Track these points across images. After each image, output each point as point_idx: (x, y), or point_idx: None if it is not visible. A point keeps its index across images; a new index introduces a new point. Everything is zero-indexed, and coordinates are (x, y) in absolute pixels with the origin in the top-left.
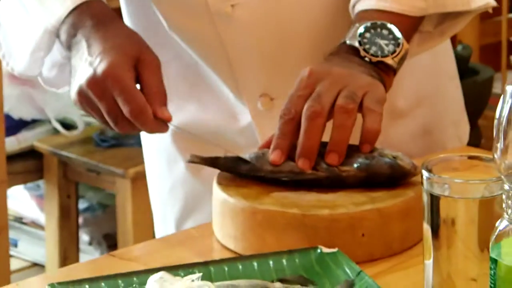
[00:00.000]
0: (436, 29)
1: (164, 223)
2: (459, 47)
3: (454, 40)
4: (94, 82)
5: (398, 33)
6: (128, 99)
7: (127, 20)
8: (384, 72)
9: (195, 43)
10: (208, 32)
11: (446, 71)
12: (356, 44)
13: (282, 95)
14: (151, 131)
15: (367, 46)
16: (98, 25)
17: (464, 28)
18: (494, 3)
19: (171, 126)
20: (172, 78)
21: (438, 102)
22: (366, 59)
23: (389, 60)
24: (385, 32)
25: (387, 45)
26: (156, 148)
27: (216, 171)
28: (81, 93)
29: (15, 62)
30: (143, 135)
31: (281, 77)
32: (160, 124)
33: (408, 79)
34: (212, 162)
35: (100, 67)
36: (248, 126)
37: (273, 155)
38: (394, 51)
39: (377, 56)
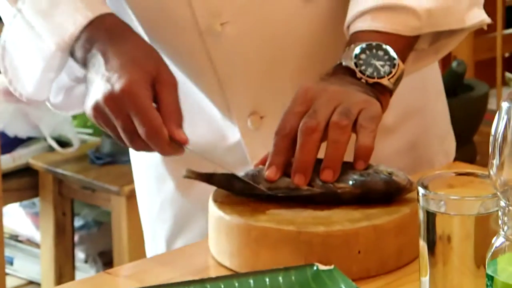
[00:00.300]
0: (431, 47)
1: (154, 241)
2: (454, 63)
3: (449, 56)
4: (111, 98)
5: (393, 54)
6: (144, 120)
7: None
8: (381, 93)
9: (183, 61)
10: (197, 50)
11: (432, 86)
12: (352, 65)
13: (272, 113)
14: (165, 153)
15: (363, 68)
16: (114, 38)
17: (458, 44)
18: (489, 20)
19: (186, 149)
20: None
21: (424, 118)
22: (363, 80)
23: (385, 81)
24: (380, 53)
25: (383, 66)
26: (145, 167)
27: (205, 191)
28: (97, 109)
29: (23, 87)
30: (132, 152)
31: (271, 95)
32: (175, 146)
33: (396, 95)
34: (207, 178)
35: (118, 84)
36: (237, 144)
37: (269, 172)
38: (390, 72)
39: (373, 78)
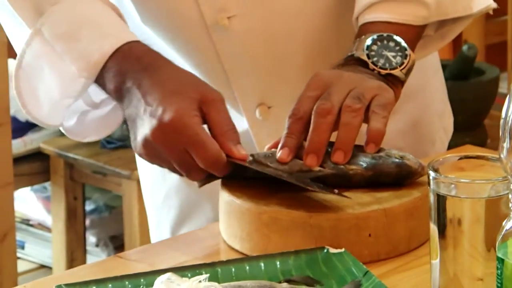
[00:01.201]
0: (437, 33)
1: (158, 229)
2: (464, 47)
3: (459, 40)
4: (161, 133)
5: (404, 45)
6: (201, 151)
7: None
8: (393, 83)
9: (190, 54)
10: (203, 44)
11: (430, 65)
12: (364, 57)
13: (280, 103)
14: (224, 174)
15: (375, 59)
16: (148, 69)
17: (469, 28)
18: (495, 5)
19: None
20: None
21: (424, 96)
22: (375, 72)
23: (397, 72)
24: (391, 44)
25: (394, 57)
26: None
27: (215, 182)
28: (147, 146)
29: (38, 110)
30: None
31: (278, 86)
32: (231, 164)
33: None
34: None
35: (166, 117)
36: (245, 133)
37: (281, 153)
38: (402, 63)
39: (385, 69)
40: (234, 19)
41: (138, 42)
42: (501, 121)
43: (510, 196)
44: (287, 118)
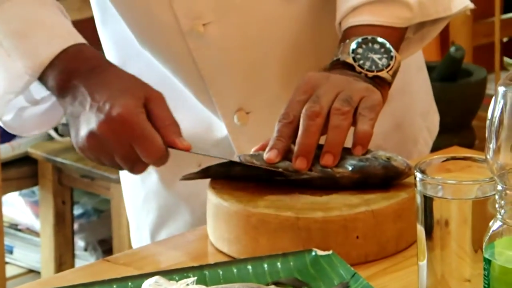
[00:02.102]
0: (416, 34)
1: (138, 232)
2: (452, 48)
3: (447, 42)
4: (108, 127)
5: (389, 46)
6: (148, 145)
7: (100, 30)
8: (380, 85)
9: (167, 61)
10: (180, 50)
11: (412, 65)
12: (350, 60)
13: (258, 109)
14: (161, 165)
15: (361, 62)
16: (96, 70)
17: (457, 29)
18: (472, 5)
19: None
20: None
21: (407, 96)
22: (362, 74)
23: (384, 74)
24: (376, 46)
25: (380, 59)
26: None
27: (189, 184)
28: (91, 140)
29: None
30: None
31: (256, 91)
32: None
33: None
34: (204, 173)
35: (114, 112)
36: (224, 139)
37: (270, 154)
38: (388, 65)
39: (372, 71)
40: (209, 26)
41: (86, 45)
42: (487, 122)
43: (496, 197)
44: (276, 122)
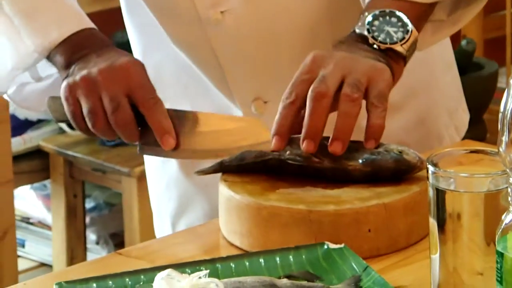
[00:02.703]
0: (449, 17)
1: (160, 218)
2: (463, 42)
3: (458, 35)
4: (110, 70)
5: (407, 20)
6: (146, 93)
7: (126, 18)
8: (394, 60)
9: (187, 49)
10: (198, 38)
11: (440, 59)
12: (365, 32)
13: (275, 98)
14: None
15: (375, 34)
16: (108, 46)
17: (468, 23)
18: None
19: None
20: (166, 79)
21: (432, 92)
22: (375, 46)
23: (398, 47)
24: (393, 19)
25: (396, 32)
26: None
27: (207, 176)
28: (86, 80)
29: None
30: None
31: (274, 81)
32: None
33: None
34: (217, 167)
35: (119, 61)
36: None
37: (273, 142)
38: (403, 38)
39: (385, 43)
40: (227, 13)
41: (96, 30)
42: (500, 115)
43: (509, 190)
44: (280, 102)
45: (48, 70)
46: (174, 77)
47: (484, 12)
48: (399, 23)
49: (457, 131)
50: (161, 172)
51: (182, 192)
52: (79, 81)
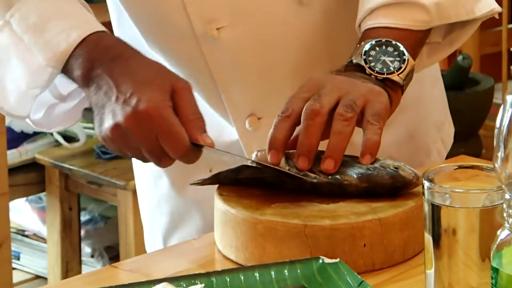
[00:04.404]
0: (445, 39)
1: (151, 234)
2: (459, 57)
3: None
4: (136, 121)
5: (403, 49)
6: (173, 141)
7: (116, 33)
8: (391, 89)
9: (180, 65)
10: (193, 54)
11: (429, 75)
12: (362, 62)
13: (270, 114)
14: (192, 162)
15: (372, 64)
16: (117, 58)
17: None
18: (500, 9)
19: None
20: None
21: (421, 107)
22: (372, 77)
23: (395, 77)
24: (390, 49)
25: (392, 62)
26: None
27: (199, 190)
28: (117, 131)
29: (5, 100)
30: None
31: (268, 97)
32: (199, 152)
33: None
34: (214, 179)
35: (141, 106)
36: (235, 143)
37: (269, 156)
38: (400, 68)
39: (382, 73)
40: (223, 30)
41: (106, 32)
42: (496, 131)
43: (504, 205)
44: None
45: (69, 86)
46: None
47: (481, 28)
48: (396, 53)
49: (443, 144)
50: (152, 189)
51: (174, 208)
52: (109, 134)
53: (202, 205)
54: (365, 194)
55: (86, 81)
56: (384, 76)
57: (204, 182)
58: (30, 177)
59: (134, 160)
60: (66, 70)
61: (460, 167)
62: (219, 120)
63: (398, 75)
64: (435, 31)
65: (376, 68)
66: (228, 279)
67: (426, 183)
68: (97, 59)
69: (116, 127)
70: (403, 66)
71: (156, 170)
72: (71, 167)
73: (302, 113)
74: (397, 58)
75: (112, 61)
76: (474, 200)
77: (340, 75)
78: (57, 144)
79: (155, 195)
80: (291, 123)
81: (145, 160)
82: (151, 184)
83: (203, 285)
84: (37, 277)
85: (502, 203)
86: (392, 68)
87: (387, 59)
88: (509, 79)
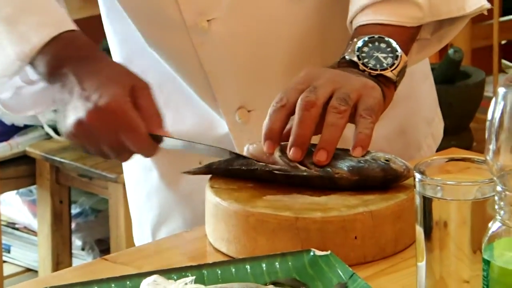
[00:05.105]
0: (434, 35)
1: (140, 228)
2: (450, 51)
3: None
4: (97, 116)
5: (396, 46)
6: (132, 134)
7: (106, 27)
8: (384, 85)
9: (171, 57)
10: (184, 46)
11: (418, 71)
12: (355, 58)
13: (260, 107)
14: (150, 156)
15: (365, 60)
16: (86, 58)
17: None
18: (489, 5)
19: (174, 141)
20: None
21: (411, 102)
22: (366, 73)
23: (388, 73)
24: (383, 45)
25: (385, 58)
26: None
27: (189, 184)
28: (80, 126)
29: None
30: None
31: (259, 90)
32: (156, 146)
33: None
34: (206, 169)
35: (102, 101)
36: (225, 135)
37: (265, 146)
38: (393, 64)
39: (376, 70)
40: (213, 22)
41: (77, 32)
42: (487, 124)
43: (496, 198)
44: (270, 107)
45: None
46: (157, 86)
47: (472, 21)
48: (388, 49)
49: (434, 139)
50: (142, 182)
51: (163, 201)
52: (73, 130)
53: (192, 198)
54: (356, 187)
55: (52, 78)
56: (378, 72)
57: (196, 171)
58: (21, 170)
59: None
60: (34, 65)
61: (452, 159)
62: (209, 113)
63: (391, 71)
64: (425, 27)
65: (370, 65)
66: (220, 272)
67: (418, 176)
68: (65, 58)
69: (79, 123)
70: (396, 62)
71: (146, 163)
72: (62, 160)
73: (297, 104)
74: (390, 55)
75: (79, 61)
76: (465, 192)
77: (334, 68)
78: (48, 137)
79: (144, 188)
80: (286, 113)
81: (106, 156)
82: (140, 178)
83: (194, 277)
84: (28, 270)
85: (493, 196)
86: (385, 64)
87: (380, 56)
88: (500, 72)
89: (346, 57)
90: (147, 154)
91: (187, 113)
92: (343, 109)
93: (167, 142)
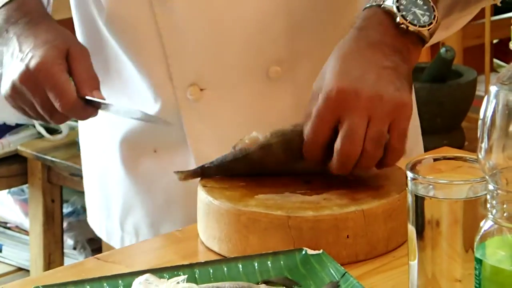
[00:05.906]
0: (442, 21)
1: (109, 219)
2: (442, 50)
3: (437, 43)
4: (27, 77)
5: (433, 5)
6: (59, 94)
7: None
8: (413, 43)
9: (130, 31)
10: (144, 14)
11: None
12: (394, 9)
13: (213, 86)
14: (83, 119)
15: (404, 13)
16: (30, 23)
17: None
18: None
19: (110, 107)
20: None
21: None
22: (403, 26)
23: (424, 32)
24: (420, 2)
25: (422, 15)
26: (96, 144)
27: (149, 173)
28: (14, 89)
29: None
30: (81, 126)
31: (214, 68)
32: (91, 109)
33: None
34: (199, 172)
35: (32, 62)
36: (175, 115)
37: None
38: (430, 23)
39: (415, 25)
40: None
41: None
42: (479, 122)
43: (488, 197)
44: (305, 138)
45: None
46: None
47: None
48: (425, 7)
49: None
50: (105, 175)
51: (126, 191)
52: (9, 91)
53: (153, 186)
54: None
55: (1, 41)
56: (416, 28)
57: (187, 176)
58: (13, 169)
59: (82, 156)
60: None
61: (444, 158)
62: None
63: (428, 30)
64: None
65: (408, 18)
66: (211, 271)
67: (410, 174)
68: (13, 23)
69: (13, 84)
70: (433, 21)
71: (106, 157)
72: (53, 159)
73: (337, 152)
74: (427, 13)
75: (25, 24)
76: (457, 191)
77: (363, 35)
78: (40, 136)
79: (107, 180)
80: (324, 151)
81: (41, 118)
82: (103, 171)
83: (186, 276)
84: (20, 269)
85: (485, 194)
86: (422, 22)
87: (418, 12)
88: (491, 71)
89: (382, 5)
90: (78, 117)
91: (123, 98)
92: (377, 155)
93: (108, 108)
